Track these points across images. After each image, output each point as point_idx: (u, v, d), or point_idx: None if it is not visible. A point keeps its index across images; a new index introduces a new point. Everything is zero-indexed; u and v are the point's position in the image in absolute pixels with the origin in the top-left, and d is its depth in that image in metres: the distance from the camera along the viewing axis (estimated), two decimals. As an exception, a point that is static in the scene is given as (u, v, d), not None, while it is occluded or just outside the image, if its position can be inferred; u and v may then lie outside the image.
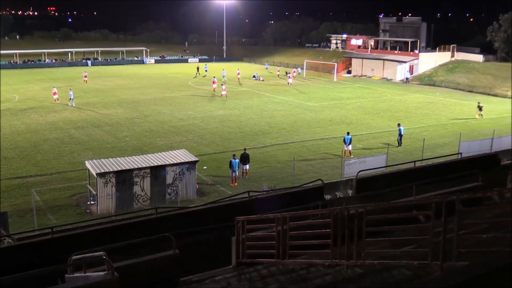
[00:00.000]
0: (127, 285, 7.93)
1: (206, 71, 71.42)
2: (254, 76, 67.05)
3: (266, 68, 79.48)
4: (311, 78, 68.95)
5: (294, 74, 67.74)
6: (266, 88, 58.13)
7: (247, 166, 24.89)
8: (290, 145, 31.58)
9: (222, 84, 53.04)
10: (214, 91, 53.84)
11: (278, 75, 69.68)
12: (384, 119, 40.12)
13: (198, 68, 72.34)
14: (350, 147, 28.65)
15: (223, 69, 66.36)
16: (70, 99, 45.39)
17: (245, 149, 25.80)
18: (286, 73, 68.65)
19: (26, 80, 64.16)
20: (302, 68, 73.34)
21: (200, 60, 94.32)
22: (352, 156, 27.88)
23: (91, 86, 58.68)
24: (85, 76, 62.59)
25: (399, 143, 30.93)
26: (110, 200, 20.38)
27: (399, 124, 31.99)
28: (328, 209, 10.15)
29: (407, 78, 67.50)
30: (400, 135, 31.12)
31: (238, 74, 65.68)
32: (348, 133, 29.31)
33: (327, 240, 8.44)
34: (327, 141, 32.70)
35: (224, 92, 50.27)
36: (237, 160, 23.93)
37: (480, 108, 41.14)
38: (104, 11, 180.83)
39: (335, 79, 67.66)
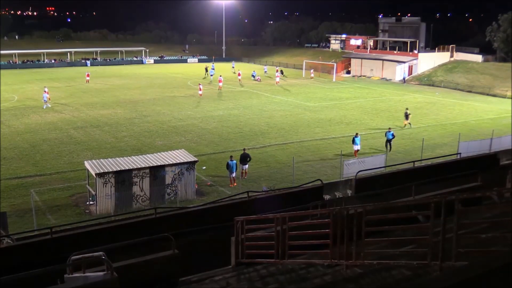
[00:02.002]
0: (127, 285, 7.92)
1: (213, 69, 71.91)
2: (253, 76, 67.18)
3: (233, 67, 77.18)
4: (310, 78, 68.96)
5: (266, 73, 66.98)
6: (265, 88, 58.16)
7: (246, 166, 24.83)
8: (289, 145, 31.57)
9: (199, 84, 53.20)
10: (220, 89, 55.41)
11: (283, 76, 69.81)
12: (383, 119, 40.11)
13: (206, 69, 70.52)
14: (355, 147, 28.59)
15: (211, 68, 68.26)
16: (44, 100, 44.01)
17: (244, 149, 25.80)
18: (281, 71, 69.83)
19: (25, 80, 64.14)
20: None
21: (200, 60, 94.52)
22: (357, 156, 27.74)
23: (91, 86, 58.70)
24: (88, 76, 62.65)
25: (388, 148, 29.60)
26: (109, 200, 20.37)
27: (389, 129, 30.74)
28: (328, 209, 10.16)
29: (404, 78, 67.66)
30: (387, 140, 29.89)
31: (239, 75, 65.42)
32: (356, 134, 29.22)
33: (327, 240, 8.45)
34: (326, 141, 32.70)
35: (200, 92, 50.63)
36: (235, 162, 23.87)
37: (406, 116, 36.61)
38: (104, 11, 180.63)
39: (334, 79, 67.67)
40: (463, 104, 49.13)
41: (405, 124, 36.67)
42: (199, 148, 30.38)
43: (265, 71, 75.34)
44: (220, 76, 58.23)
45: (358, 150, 28.72)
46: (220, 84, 56.09)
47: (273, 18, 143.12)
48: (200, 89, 51.33)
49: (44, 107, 43.44)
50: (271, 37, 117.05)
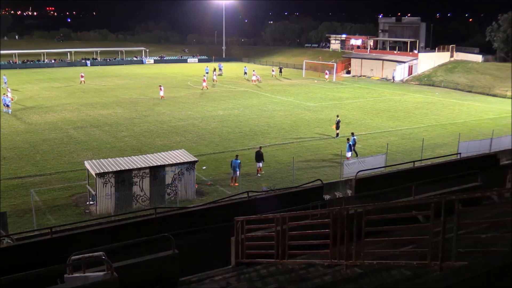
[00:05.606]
0: (126, 285, 7.92)
1: (220, 69, 72.13)
2: (245, 73, 67.48)
3: (220, 68, 73.59)
4: (310, 78, 68.97)
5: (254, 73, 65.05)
6: (265, 88, 58.17)
7: (261, 164, 25.42)
8: (289, 145, 31.57)
9: (160, 86, 51.46)
10: (203, 89, 56.08)
11: (274, 75, 69.78)
12: (383, 119, 40.13)
13: (214, 70, 68.01)
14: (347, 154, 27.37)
15: (206, 67, 69.95)
16: (7, 105, 41.32)
17: (260, 147, 26.42)
18: (275, 70, 71.14)
19: (25, 80, 64.11)
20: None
21: (200, 60, 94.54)
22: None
23: (90, 86, 58.64)
24: (82, 77, 62.08)
25: (356, 153, 28.22)
26: (109, 200, 20.36)
27: (352, 134, 29.55)
28: (327, 209, 10.16)
29: (393, 77, 67.89)
30: (353, 144, 28.20)
31: (214, 75, 64.45)
32: (347, 140, 28.13)
33: (326, 240, 8.45)
34: (326, 141, 32.70)
35: (161, 93, 49.33)
36: (239, 161, 23.89)
37: (337, 126, 33.59)
38: (104, 11, 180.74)
39: (334, 79, 67.64)
40: (463, 104, 49.12)
41: (337, 134, 33.59)
42: (199, 148, 30.38)
43: (219, 68, 72.83)
44: (204, 76, 59.82)
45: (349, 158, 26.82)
46: (204, 84, 55.86)
47: (273, 18, 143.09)
48: (161, 89, 49.72)
49: (9, 112, 41.04)
50: (271, 37, 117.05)
